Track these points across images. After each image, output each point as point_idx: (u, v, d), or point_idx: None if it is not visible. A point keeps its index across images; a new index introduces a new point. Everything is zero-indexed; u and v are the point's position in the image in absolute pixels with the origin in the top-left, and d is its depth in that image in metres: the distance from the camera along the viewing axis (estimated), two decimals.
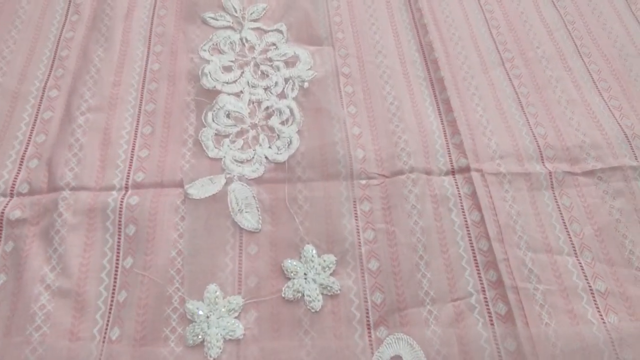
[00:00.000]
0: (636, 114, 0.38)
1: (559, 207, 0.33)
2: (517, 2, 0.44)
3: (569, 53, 0.41)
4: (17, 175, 0.30)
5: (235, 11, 0.40)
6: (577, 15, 0.44)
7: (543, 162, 0.34)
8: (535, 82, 0.39)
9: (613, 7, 0.45)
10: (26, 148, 0.32)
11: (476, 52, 0.40)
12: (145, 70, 0.36)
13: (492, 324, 0.28)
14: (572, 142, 0.36)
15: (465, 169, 0.33)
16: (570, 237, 0.32)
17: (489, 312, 0.28)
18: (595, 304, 0.29)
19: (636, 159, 0.35)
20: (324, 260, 0.29)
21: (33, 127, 0.32)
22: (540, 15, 0.44)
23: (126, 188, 0.30)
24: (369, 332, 0.27)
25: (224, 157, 0.32)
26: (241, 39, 0.38)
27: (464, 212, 0.31)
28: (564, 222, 0.32)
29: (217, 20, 0.39)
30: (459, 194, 0.32)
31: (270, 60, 0.37)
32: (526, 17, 0.43)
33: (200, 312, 0.26)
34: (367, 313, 0.28)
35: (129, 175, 0.31)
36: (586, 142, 0.36)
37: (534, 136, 0.36)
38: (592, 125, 0.37)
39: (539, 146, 0.35)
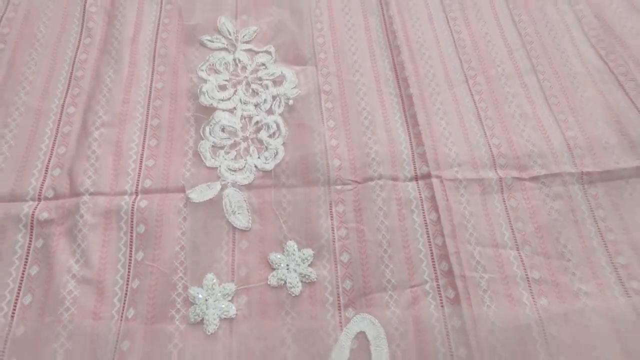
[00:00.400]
0: (580, 126, 0.43)
1: (506, 208, 0.38)
2: (483, 23, 0.49)
3: (526, 71, 0.46)
4: (43, 183, 0.35)
5: (230, 34, 0.45)
6: (535, 36, 0.48)
7: (495, 169, 0.40)
8: (494, 98, 0.44)
9: (567, 28, 0.50)
10: (49, 159, 0.37)
11: (443, 71, 0.45)
12: (150, 89, 0.41)
13: (442, 306, 0.33)
14: (522, 151, 0.41)
15: (427, 176, 0.38)
16: (514, 234, 0.37)
17: (440, 297, 0.34)
18: (530, 289, 0.35)
19: (575, 166, 0.40)
20: (303, 254, 0.34)
21: (54, 140, 0.38)
22: (503, 35, 0.49)
23: (136, 193, 0.36)
24: (340, 313, 0.33)
25: (220, 166, 0.37)
26: (234, 60, 0.43)
27: (424, 213, 0.37)
28: (510, 221, 0.38)
29: (213, 42, 0.44)
30: (420, 197, 0.37)
31: (260, 79, 0.42)
32: (490, 38, 0.48)
33: (200, 296, 0.31)
34: (339, 297, 0.33)
35: (138, 182, 0.36)
36: (534, 152, 0.41)
37: (489, 146, 0.41)
38: (540, 136, 0.42)
39: (492, 155, 0.40)
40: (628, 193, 0.39)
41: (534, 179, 0.40)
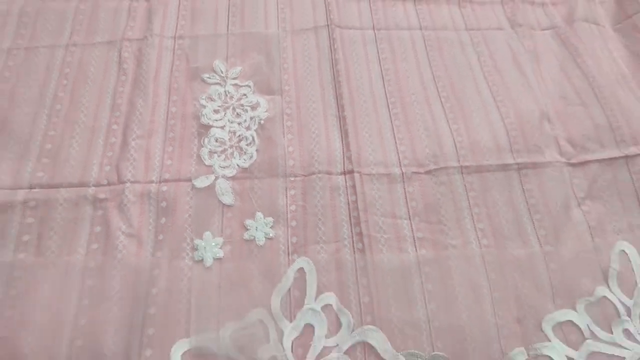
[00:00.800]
0: (468, 135, 0.58)
1: (405, 193, 0.55)
2: (406, 63, 0.66)
3: (433, 97, 0.62)
4: (99, 175, 0.54)
5: (222, 72, 0.63)
6: (444, 72, 0.65)
7: (400, 167, 0.57)
8: (406, 118, 0.61)
9: (469, 65, 0.67)
10: (102, 159, 0.55)
11: (371, 99, 0.62)
12: (167, 113, 0.59)
13: (354, 253, 0.50)
14: (421, 155, 0.57)
15: (351, 172, 0.55)
16: (408, 209, 0.54)
17: (353, 248, 0.50)
18: (415, 244, 0.52)
19: (458, 162, 0.57)
20: (267, 221, 0.52)
21: (104, 148, 0.56)
22: (419, 71, 0.65)
23: (159, 182, 0.54)
24: (288, 257, 0.50)
25: (214, 164, 0.56)
26: (225, 91, 0.62)
27: (347, 195, 0.54)
28: (407, 201, 0.54)
29: (210, 79, 0.62)
30: (346, 185, 0.55)
31: (242, 105, 0.61)
32: (409, 74, 0.64)
33: (202, 244, 0.50)
34: (288, 247, 0.51)
35: (160, 175, 0.55)
36: (430, 154, 0.58)
37: (398, 152, 0.58)
38: (436, 144, 0.58)
39: (399, 158, 0.57)
40: (492, 181, 0.57)
41: (428, 172, 0.57)
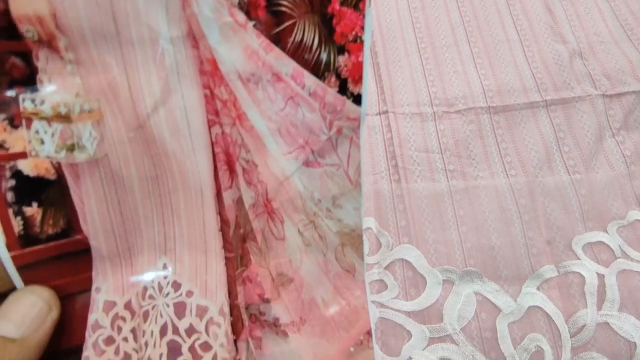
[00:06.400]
0: (494, 78, 0.63)
1: (436, 130, 0.59)
2: (435, 9, 0.70)
3: (462, 41, 0.66)
4: None
5: None
6: (473, 16, 0.69)
7: (432, 107, 0.61)
8: (437, 61, 0.64)
9: (497, 9, 0.69)
10: None
11: (402, 44, 0.66)
12: None
13: (391, 183, 0.56)
14: (451, 95, 0.62)
15: (385, 112, 0.60)
16: (439, 145, 0.56)
17: (390, 179, 0.56)
18: (447, 175, 0.56)
19: (486, 102, 0.61)
20: None
21: None
22: (448, 16, 0.69)
23: None
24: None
25: None
26: None
27: (383, 134, 0.59)
28: (438, 137, 0.57)
29: None
30: (381, 124, 0.60)
31: None
32: (439, 19, 0.68)
33: None
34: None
35: None
36: (459, 95, 0.62)
37: (429, 93, 0.62)
38: (465, 85, 0.62)
39: (430, 99, 0.61)
40: (519, 118, 0.60)
41: (457, 112, 0.61)
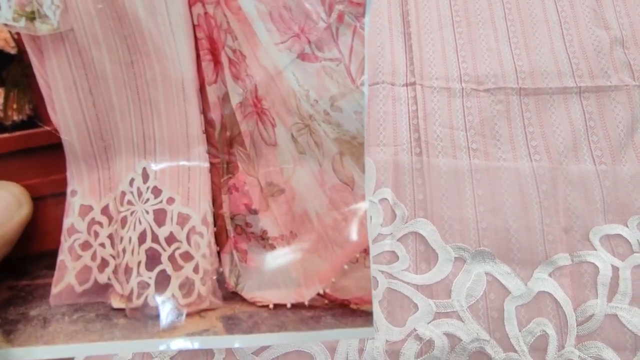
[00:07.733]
0: (528, 58, 0.61)
1: (463, 107, 0.58)
2: None
3: (498, 18, 0.64)
4: None
5: None
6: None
7: (461, 83, 0.60)
8: (470, 37, 0.62)
9: None
10: None
11: (437, 17, 0.64)
12: None
13: (412, 156, 0.54)
14: (482, 72, 0.60)
15: (413, 84, 0.58)
16: (465, 122, 0.56)
17: (411, 151, 0.54)
18: (469, 153, 0.55)
19: (517, 84, 0.59)
20: None
21: None
22: None
23: None
24: None
25: None
26: None
27: (408, 105, 0.58)
28: (464, 115, 0.56)
29: None
30: (407, 96, 0.58)
31: None
32: None
33: None
34: None
35: None
36: (490, 73, 0.60)
37: (459, 69, 0.60)
38: (497, 64, 0.61)
39: (460, 74, 0.60)
40: (549, 104, 0.59)
41: (486, 90, 0.59)
